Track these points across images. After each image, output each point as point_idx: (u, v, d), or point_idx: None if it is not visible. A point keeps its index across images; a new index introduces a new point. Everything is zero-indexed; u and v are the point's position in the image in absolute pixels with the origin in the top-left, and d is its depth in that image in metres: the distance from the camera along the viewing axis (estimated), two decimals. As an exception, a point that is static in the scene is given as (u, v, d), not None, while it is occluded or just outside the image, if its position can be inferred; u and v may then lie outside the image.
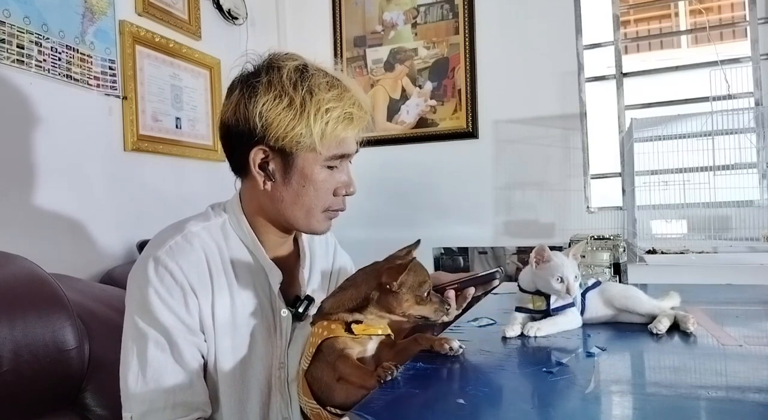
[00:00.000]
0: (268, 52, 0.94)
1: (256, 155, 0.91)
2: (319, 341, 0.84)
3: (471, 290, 0.94)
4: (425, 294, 0.81)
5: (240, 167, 0.95)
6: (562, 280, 0.90)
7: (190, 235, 0.92)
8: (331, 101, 0.89)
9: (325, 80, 0.90)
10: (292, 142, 0.88)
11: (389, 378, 0.69)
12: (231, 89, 0.93)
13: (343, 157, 0.94)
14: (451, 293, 0.91)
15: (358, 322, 0.83)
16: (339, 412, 0.81)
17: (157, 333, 0.86)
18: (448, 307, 0.83)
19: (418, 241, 0.88)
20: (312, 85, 0.89)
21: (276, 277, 0.96)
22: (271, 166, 0.91)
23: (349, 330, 0.83)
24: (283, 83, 0.88)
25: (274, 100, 0.87)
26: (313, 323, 0.87)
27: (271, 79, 0.89)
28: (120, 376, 0.87)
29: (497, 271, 0.97)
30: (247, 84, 0.90)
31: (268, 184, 0.92)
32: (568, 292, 0.90)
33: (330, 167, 0.93)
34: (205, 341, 0.90)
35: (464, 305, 0.96)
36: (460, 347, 0.78)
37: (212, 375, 0.91)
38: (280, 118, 0.87)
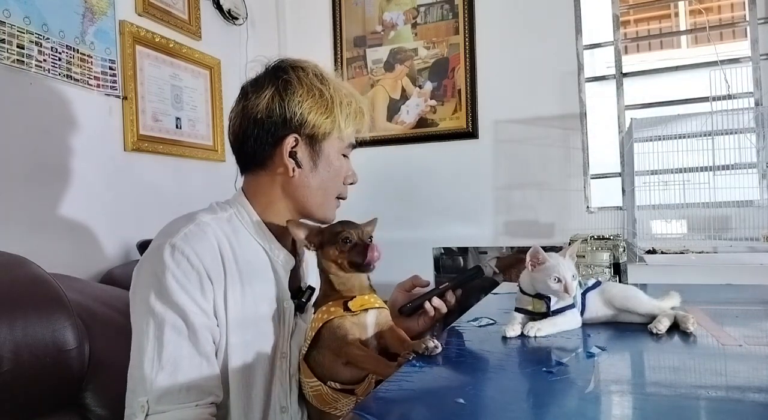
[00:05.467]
0: (278, 57, 1.06)
1: (288, 143, 0.99)
2: (320, 325, 0.90)
3: (450, 294, 1.07)
4: (344, 241, 0.92)
5: (262, 160, 1.01)
6: (559, 280, 0.90)
7: (202, 224, 0.95)
8: (348, 96, 1.03)
9: (337, 81, 1.04)
10: (323, 129, 0.99)
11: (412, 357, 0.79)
12: (258, 86, 1.00)
13: (354, 146, 1.07)
14: (436, 301, 1.06)
15: (353, 298, 0.91)
16: (338, 386, 0.91)
17: (175, 316, 0.87)
18: (368, 256, 0.91)
19: (374, 219, 1.02)
20: (333, 82, 1.02)
21: (288, 263, 1.01)
22: (300, 154, 1.00)
23: (347, 309, 0.90)
24: (311, 79, 1.00)
25: (308, 92, 0.99)
26: (314, 312, 0.95)
27: (299, 75, 1.00)
28: (132, 361, 0.88)
29: (477, 267, 1.09)
30: (280, 79, 0.99)
31: (297, 172, 1.00)
32: (566, 291, 0.91)
33: (345, 156, 1.05)
34: (218, 326, 0.92)
35: (452, 308, 1.07)
36: (436, 347, 0.81)
37: (223, 361, 0.93)
38: (315, 107, 0.98)
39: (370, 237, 0.95)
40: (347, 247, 0.91)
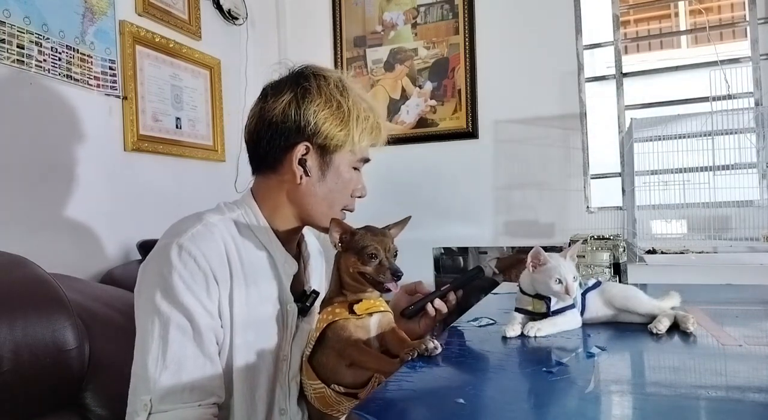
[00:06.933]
0: (303, 62, 1.06)
1: (299, 151, 0.98)
2: (324, 326, 0.91)
3: (451, 295, 1.05)
4: (369, 256, 0.89)
5: (272, 163, 1.01)
6: (560, 282, 0.90)
7: (210, 224, 0.95)
8: (367, 110, 1.02)
9: (359, 93, 1.03)
10: (336, 141, 0.99)
11: (415, 356, 0.78)
12: (278, 90, 1.00)
13: (367, 160, 1.07)
14: (437, 302, 1.04)
15: (358, 301, 0.91)
16: (342, 390, 0.90)
17: (180, 315, 0.87)
18: (399, 273, 0.89)
19: (408, 217, 1.01)
20: (353, 95, 1.01)
21: (291, 268, 1.01)
22: (309, 163, 1.00)
23: (352, 312, 0.90)
24: (331, 90, 0.99)
25: (326, 102, 0.98)
26: (320, 312, 0.95)
27: (320, 84, 1.00)
28: (136, 360, 0.88)
29: (478, 267, 1.08)
30: (299, 86, 0.99)
31: (304, 180, 1.00)
32: (567, 292, 0.91)
33: (356, 169, 1.05)
34: (222, 328, 0.92)
35: (452, 309, 1.06)
36: (435, 348, 0.81)
37: (227, 363, 0.93)
38: (331, 119, 0.98)
39: (395, 254, 0.93)
40: (371, 263, 0.89)
